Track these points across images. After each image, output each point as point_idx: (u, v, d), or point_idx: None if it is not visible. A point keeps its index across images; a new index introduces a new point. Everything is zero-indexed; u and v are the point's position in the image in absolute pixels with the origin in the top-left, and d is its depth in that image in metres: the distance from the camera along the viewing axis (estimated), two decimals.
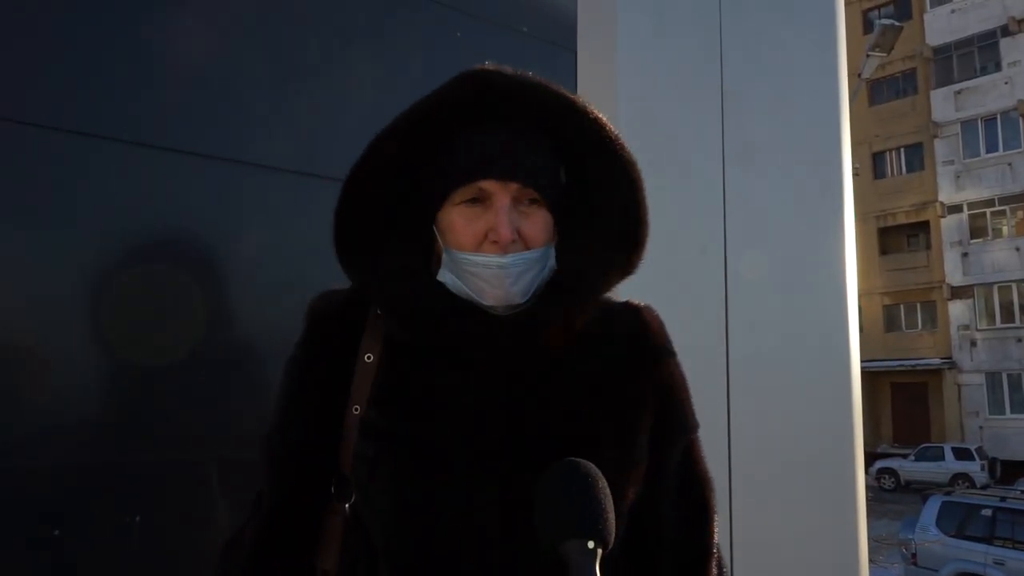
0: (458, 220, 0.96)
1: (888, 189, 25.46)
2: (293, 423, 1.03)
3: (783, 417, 2.24)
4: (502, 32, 1.92)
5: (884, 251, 25.66)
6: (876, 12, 24.96)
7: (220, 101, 1.55)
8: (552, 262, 0.98)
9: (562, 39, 1.95)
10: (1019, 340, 22.49)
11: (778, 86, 2.42)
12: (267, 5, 1.63)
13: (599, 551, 0.80)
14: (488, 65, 1.01)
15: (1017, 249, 22.64)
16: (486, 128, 0.97)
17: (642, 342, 1.06)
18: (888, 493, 20.22)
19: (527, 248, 0.95)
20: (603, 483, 0.84)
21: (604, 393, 1.01)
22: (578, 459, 0.86)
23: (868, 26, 21.98)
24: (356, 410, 0.98)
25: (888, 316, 25.48)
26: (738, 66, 2.29)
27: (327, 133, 1.68)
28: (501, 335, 0.95)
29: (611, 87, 1.95)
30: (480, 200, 0.95)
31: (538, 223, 0.96)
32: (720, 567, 1.08)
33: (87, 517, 1.36)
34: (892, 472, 21.20)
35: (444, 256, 0.98)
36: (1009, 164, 22.91)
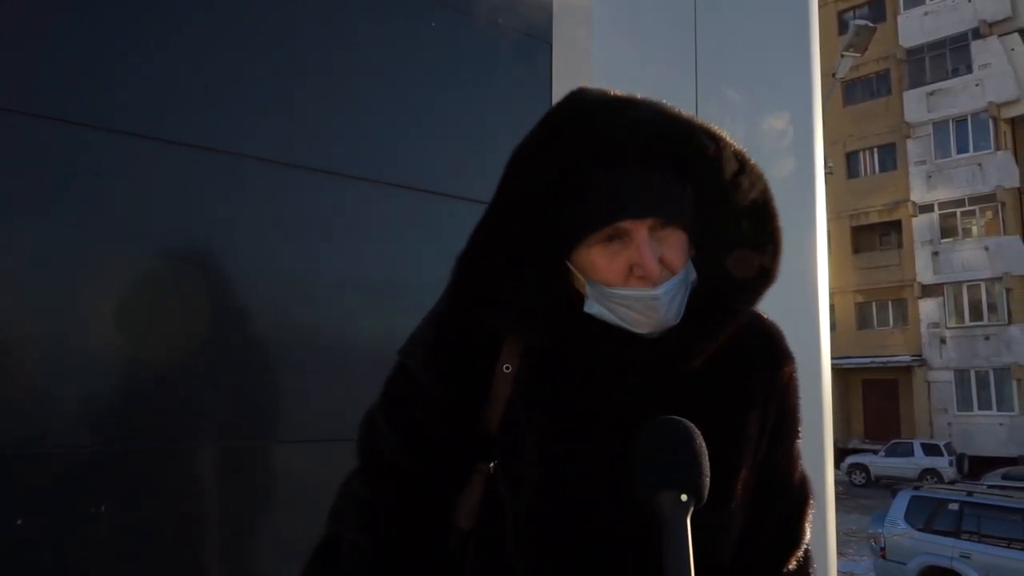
0: (599, 259, 0.96)
1: (861, 188, 25.77)
2: (441, 380, 1.03)
3: None
4: (477, 23, 1.91)
5: (857, 249, 25.98)
6: (851, 13, 25.21)
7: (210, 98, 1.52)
8: (693, 276, 1.00)
9: (537, 31, 1.95)
10: (987, 338, 22.88)
11: (752, 84, 2.43)
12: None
13: (692, 505, 0.81)
14: (593, 90, 1.00)
15: (986, 248, 23.02)
16: (615, 167, 0.96)
17: (767, 345, 1.10)
18: (859, 488, 20.51)
19: (672, 273, 0.96)
20: (700, 440, 0.85)
21: (726, 388, 1.03)
22: (676, 416, 0.88)
23: (843, 27, 22.18)
24: (507, 368, 1.01)
25: (860, 314, 25.81)
26: (712, 62, 2.29)
27: (302, 124, 1.66)
28: (656, 361, 0.98)
29: (586, 80, 1.94)
30: (617, 236, 0.95)
31: (676, 246, 0.97)
32: (808, 557, 1.15)
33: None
34: (863, 467, 21.49)
35: (589, 290, 0.98)
36: (979, 165, 23.28)
